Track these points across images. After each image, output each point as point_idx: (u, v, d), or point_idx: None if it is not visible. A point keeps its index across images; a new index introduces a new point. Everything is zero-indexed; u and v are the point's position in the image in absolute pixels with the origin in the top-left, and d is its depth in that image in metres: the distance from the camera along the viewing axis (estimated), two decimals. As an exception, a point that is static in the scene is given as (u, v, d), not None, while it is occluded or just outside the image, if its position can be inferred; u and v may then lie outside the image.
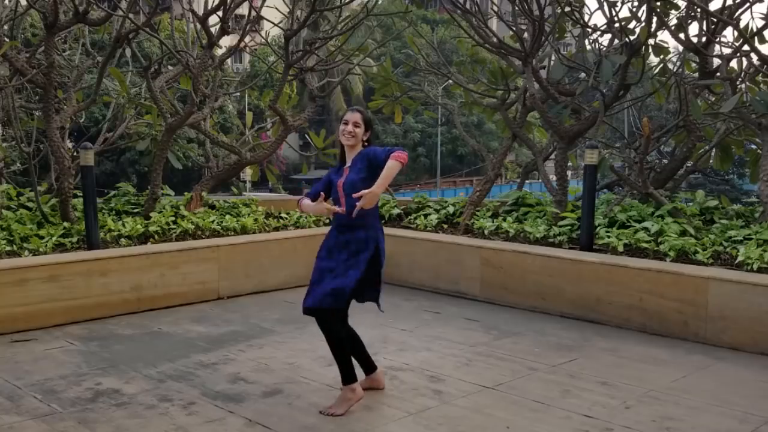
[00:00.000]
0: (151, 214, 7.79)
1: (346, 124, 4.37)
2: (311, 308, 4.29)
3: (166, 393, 4.54)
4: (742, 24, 7.49)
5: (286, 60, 8.51)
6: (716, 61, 7.79)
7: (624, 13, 20.19)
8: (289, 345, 5.61)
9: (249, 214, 8.37)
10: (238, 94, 28.78)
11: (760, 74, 7.64)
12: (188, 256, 6.88)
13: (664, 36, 77.33)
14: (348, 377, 4.31)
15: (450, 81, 9.74)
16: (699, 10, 7.63)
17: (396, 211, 8.71)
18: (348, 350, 4.38)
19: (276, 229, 8.19)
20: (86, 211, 6.89)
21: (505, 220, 7.78)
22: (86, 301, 6.25)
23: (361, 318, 6.38)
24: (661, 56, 8.17)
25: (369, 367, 4.61)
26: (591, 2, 26.90)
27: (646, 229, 6.79)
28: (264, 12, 8.38)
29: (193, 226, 7.61)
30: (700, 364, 5.15)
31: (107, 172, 29.35)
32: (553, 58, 8.51)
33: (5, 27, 8.12)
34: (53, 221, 7.46)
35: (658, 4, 7.48)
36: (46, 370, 4.96)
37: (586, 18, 11.82)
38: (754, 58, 7.44)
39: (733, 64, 7.75)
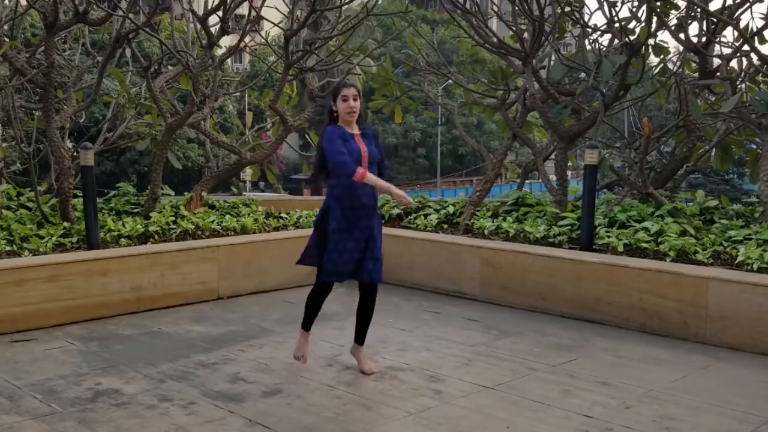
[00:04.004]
0: (151, 214, 7.80)
1: (346, 100, 4.69)
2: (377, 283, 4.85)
3: (166, 393, 4.54)
4: (742, 24, 7.49)
5: (286, 60, 8.51)
6: (716, 61, 7.78)
7: (624, 13, 20.20)
8: (289, 345, 5.60)
9: (249, 214, 8.37)
10: (238, 94, 28.76)
11: (760, 74, 7.64)
12: (188, 256, 6.88)
13: (664, 36, 77.33)
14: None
15: (450, 81, 9.74)
16: (699, 10, 7.62)
17: (396, 211, 8.70)
18: None
19: (276, 229, 8.19)
20: (86, 211, 6.89)
21: (505, 220, 7.78)
22: (86, 301, 6.25)
23: (361, 318, 6.38)
24: (661, 56, 8.16)
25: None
26: (591, 2, 26.90)
27: (646, 229, 6.79)
28: (264, 12, 8.39)
29: (193, 226, 7.62)
30: (700, 364, 5.15)
31: (107, 172, 29.36)
32: (553, 58, 8.50)
33: (5, 27, 8.12)
34: (53, 221, 7.46)
35: (658, 4, 7.48)
36: (46, 370, 4.96)
37: (586, 18, 11.83)
38: (754, 58, 7.43)
39: (733, 64, 7.75)
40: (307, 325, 5.02)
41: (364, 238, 4.68)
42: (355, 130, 4.76)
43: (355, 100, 4.69)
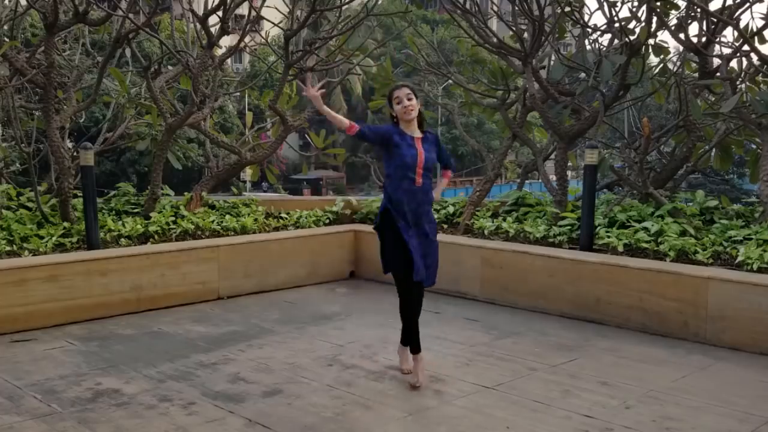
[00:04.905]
0: (151, 214, 7.79)
1: (400, 101, 4.62)
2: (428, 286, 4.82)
3: (166, 393, 4.54)
4: (742, 24, 7.49)
5: (286, 60, 8.50)
6: (716, 61, 7.78)
7: (624, 13, 20.19)
8: (289, 345, 5.61)
9: (249, 214, 8.37)
10: (238, 94, 28.75)
11: (760, 74, 7.63)
12: (188, 256, 6.88)
13: (664, 36, 77.29)
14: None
15: (450, 81, 9.74)
16: (699, 10, 7.62)
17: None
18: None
19: (276, 229, 8.18)
20: (86, 211, 6.89)
21: (505, 220, 7.78)
22: (86, 301, 6.25)
23: (361, 318, 6.40)
24: (661, 56, 8.16)
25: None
26: (591, 2, 26.89)
27: (646, 229, 6.79)
28: (264, 12, 8.38)
29: (193, 226, 7.61)
30: (700, 364, 5.15)
31: (107, 172, 29.33)
32: (553, 58, 8.50)
33: (5, 27, 8.12)
34: (53, 221, 7.45)
35: (658, 4, 7.48)
36: (46, 370, 4.96)
37: (586, 18, 11.82)
38: (754, 58, 7.43)
39: (733, 64, 7.75)
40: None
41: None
42: (416, 133, 4.68)
43: (409, 99, 4.61)
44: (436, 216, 8.18)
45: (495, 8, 8.94)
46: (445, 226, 8.26)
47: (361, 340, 5.68)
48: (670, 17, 7.84)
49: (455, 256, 7.25)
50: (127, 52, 9.25)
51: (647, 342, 5.68)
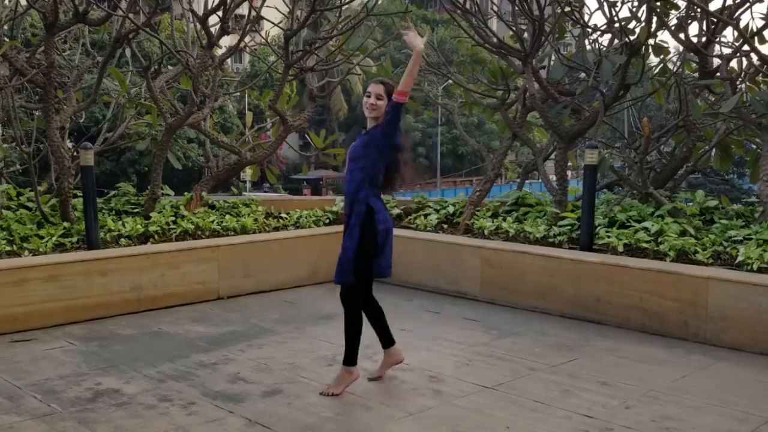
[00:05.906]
0: (151, 214, 7.79)
1: (369, 96, 4.43)
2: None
3: (166, 393, 4.55)
4: (742, 24, 7.49)
5: (286, 60, 8.50)
6: (716, 61, 7.78)
7: (624, 13, 20.18)
8: (289, 345, 5.62)
9: (249, 214, 8.37)
10: (238, 94, 28.78)
11: (760, 74, 7.63)
12: (188, 256, 6.88)
13: (664, 36, 77.27)
14: (350, 359, 4.52)
15: (450, 81, 9.74)
16: (699, 10, 7.62)
17: (396, 211, 8.70)
18: (359, 332, 4.55)
19: (276, 229, 8.18)
20: (86, 211, 6.89)
21: (505, 220, 7.78)
22: (86, 301, 6.25)
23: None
24: (661, 56, 8.16)
25: (387, 341, 4.73)
26: (591, 2, 26.88)
27: (646, 229, 6.79)
28: (264, 12, 8.38)
29: (193, 226, 7.61)
30: (700, 364, 5.15)
31: (107, 172, 29.30)
32: (553, 58, 8.50)
33: (5, 27, 8.12)
34: (53, 221, 7.45)
35: (658, 4, 7.48)
36: (46, 370, 4.97)
37: (586, 18, 11.82)
38: (754, 58, 7.43)
39: (733, 64, 7.75)
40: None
41: None
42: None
43: (378, 98, 4.38)
44: (435, 216, 8.26)
45: (495, 8, 8.94)
46: (445, 226, 8.26)
47: (360, 340, 5.67)
48: (670, 17, 7.84)
49: (455, 256, 7.26)
50: (127, 52, 9.25)
51: (647, 342, 5.68)
